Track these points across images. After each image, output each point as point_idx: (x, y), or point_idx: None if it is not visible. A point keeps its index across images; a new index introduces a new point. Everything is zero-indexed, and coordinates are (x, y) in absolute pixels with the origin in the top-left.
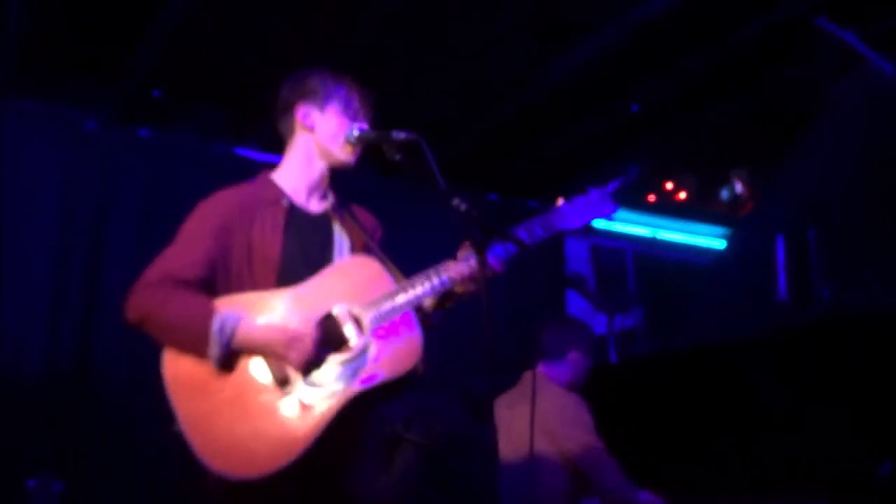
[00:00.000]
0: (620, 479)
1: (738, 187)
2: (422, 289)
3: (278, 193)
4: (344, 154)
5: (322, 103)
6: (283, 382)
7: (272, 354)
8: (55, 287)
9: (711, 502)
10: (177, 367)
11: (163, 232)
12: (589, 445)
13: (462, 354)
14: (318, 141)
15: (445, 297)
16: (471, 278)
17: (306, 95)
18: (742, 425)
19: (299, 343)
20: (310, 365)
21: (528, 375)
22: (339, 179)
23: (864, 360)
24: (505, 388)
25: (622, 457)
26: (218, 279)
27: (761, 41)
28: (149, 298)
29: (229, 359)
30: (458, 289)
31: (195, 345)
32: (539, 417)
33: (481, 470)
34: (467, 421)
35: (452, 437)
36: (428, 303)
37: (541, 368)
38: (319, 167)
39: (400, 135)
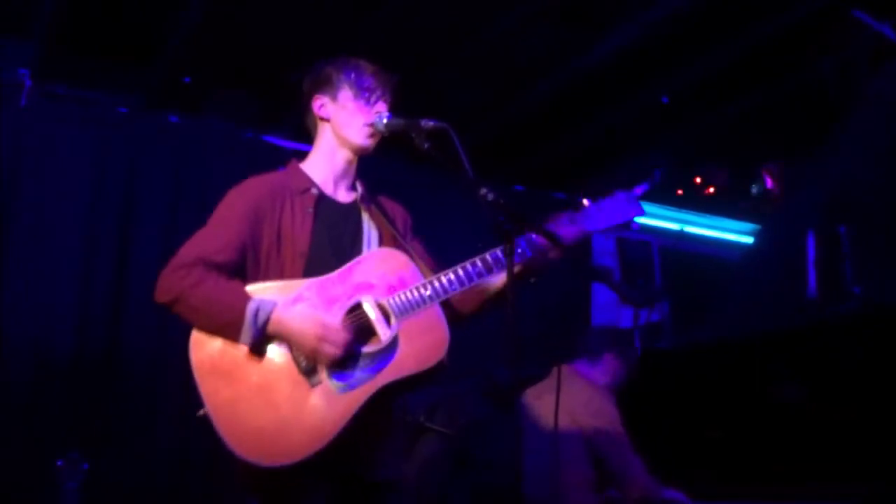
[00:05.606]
0: (645, 476)
1: (769, 182)
2: (449, 283)
3: (308, 182)
4: (360, 139)
5: (335, 92)
6: (309, 372)
7: (303, 346)
8: (84, 271)
9: (736, 495)
10: (204, 353)
11: (191, 217)
12: (613, 437)
13: (486, 345)
14: (335, 130)
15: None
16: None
17: (320, 86)
18: (769, 421)
19: (332, 339)
20: (339, 361)
21: (556, 369)
22: (366, 168)
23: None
24: (529, 380)
25: (645, 449)
26: (247, 265)
27: (796, 32)
28: (181, 280)
29: (260, 345)
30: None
31: (229, 328)
32: (566, 409)
33: (502, 459)
34: (489, 411)
35: (474, 426)
36: (498, 282)
37: (576, 366)
38: (343, 156)
39: (428, 123)
